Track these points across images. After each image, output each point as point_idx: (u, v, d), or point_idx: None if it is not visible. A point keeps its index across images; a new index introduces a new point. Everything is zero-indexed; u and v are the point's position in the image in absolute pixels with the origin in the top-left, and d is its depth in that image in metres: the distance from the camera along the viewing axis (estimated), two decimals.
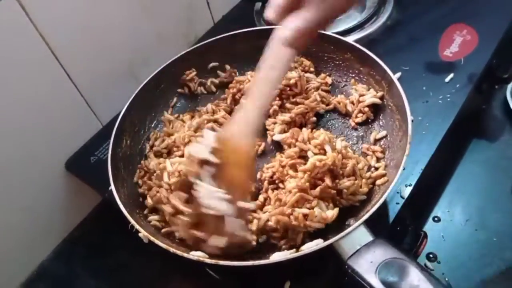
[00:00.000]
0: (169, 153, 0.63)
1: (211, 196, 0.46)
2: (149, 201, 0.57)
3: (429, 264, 0.63)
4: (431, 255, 0.66)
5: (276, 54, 0.50)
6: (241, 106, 0.51)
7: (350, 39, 0.65)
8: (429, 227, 0.70)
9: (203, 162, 0.48)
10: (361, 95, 0.62)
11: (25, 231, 0.69)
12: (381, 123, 0.61)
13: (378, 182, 0.54)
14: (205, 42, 0.69)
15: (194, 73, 0.70)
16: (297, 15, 0.47)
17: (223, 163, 0.48)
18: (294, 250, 0.46)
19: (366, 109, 0.61)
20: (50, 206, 0.72)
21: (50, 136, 0.68)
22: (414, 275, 0.41)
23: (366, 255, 0.44)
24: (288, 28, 0.48)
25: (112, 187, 0.53)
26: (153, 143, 0.64)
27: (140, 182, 0.60)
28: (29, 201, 0.68)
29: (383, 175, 0.54)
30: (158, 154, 0.63)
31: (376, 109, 0.62)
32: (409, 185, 0.59)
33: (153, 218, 0.55)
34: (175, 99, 0.71)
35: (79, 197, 0.75)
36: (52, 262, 0.74)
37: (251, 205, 0.49)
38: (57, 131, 0.69)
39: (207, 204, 0.46)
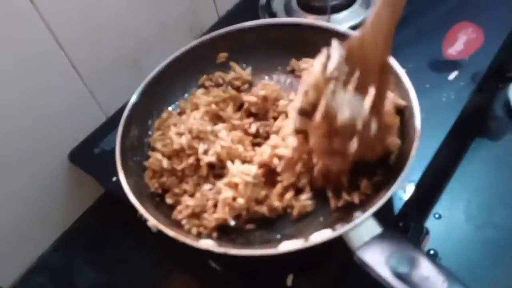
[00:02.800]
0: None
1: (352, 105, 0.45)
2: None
3: None
4: (431, 252, 0.67)
5: None
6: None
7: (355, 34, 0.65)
8: (431, 223, 0.71)
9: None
10: None
11: (25, 222, 0.68)
12: None
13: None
14: (214, 34, 0.68)
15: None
16: None
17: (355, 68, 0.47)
18: (303, 240, 0.46)
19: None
20: (52, 198, 0.71)
21: (53, 127, 0.67)
22: (425, 267, 0.41)
23: (375, 246, 0.44)
24: None
25: (121, 175, 0.53)
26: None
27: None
28: (31, 192, 0.68)
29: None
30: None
31: None
32: (412, 181, 0.59)
33: (168, 196, 0.56)
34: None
35: (81, 189, 0.74)
36: (52, 254, 0.73)
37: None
38: (60, 122, 0.68)
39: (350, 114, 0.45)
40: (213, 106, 0.64)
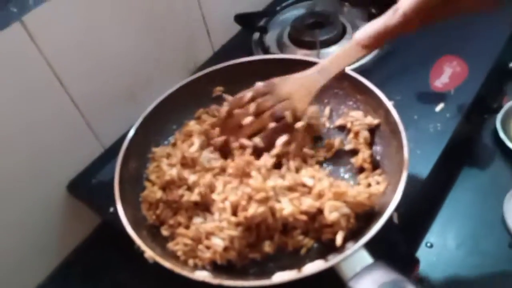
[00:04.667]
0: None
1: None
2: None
3: None
4: (424, 280, 0.68)
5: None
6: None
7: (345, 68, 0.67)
8: (422, 252, 0.72)
9: None
10: (356, 120, 0.64)
11: (22, 252, 0.69)
12: (378, 148, 0.63)
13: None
14: (210, 69, 0.70)
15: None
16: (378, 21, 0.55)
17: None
18: (296, 271, 0.48)
19: (365, 132, 0.63)
20: (49, 228, 0.72)
21: (51, 158, 0.69)
22: None
23: (367, 277, 0.45)
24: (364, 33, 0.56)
25: (119, 205, 0.54)
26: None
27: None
28: (28, 222, 0.69)
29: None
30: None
31: (373, 136, 0.64)
32: (401, 210, 0.59)
33: (164, 228, 0.57)
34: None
35: (78, 219, 0.75)
36: (49, 284, 0.73)
37: None
38: (58, 154, 0.70)
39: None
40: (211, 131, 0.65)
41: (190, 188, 0.57)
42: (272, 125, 0.60)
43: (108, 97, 0.75)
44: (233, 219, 0.52)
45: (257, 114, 0.61)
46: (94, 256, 0.76)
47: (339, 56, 0.59)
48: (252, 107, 0.61)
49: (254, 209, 0.51)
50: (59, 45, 0.64)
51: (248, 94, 0.62)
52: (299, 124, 0.61)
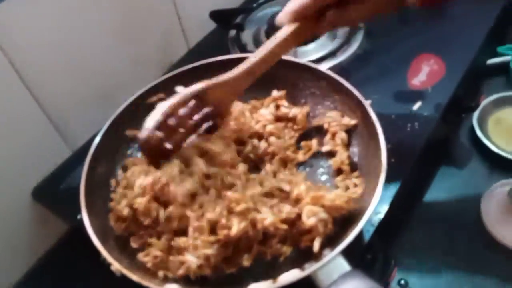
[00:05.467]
0: None
1: None
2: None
3: None
4: (402, 282, 0.68)
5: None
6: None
7: (322, 67, 0.66)
8: (399, 253, 0.71)
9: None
10: (333, 120, 0.63)
11: None
12: (355, 150, 0.62)
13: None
14: (183, 69, 0.67)
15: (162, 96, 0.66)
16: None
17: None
18: (272, 281, 0.46)
19: (342, 133, 0.62)
20: (15, 235, 0.69)
21: (14, 163, 0.66)
22: None
23: (344, 285, 0.44)
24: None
25: (85, 216, 0.51)
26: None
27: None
28: None
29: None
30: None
31: (350, 137, 0.63)
32: (379, 213, 0.59)
33: (133, 240, 0.54)
34: None
35: (46, 226, 0.73)
36: None
37: None
38: (23, 158, 0.67)
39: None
40: None
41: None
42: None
43: (78, 98, 0.72)
44: (211, 238, 0.49)
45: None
46: (64, 263, 0.74)
47: (270, 51, 0.57)
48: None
49: (237, 226, 0.48)
50: (23, 41, 0.61)
51: (180, 108, 0.56)
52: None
